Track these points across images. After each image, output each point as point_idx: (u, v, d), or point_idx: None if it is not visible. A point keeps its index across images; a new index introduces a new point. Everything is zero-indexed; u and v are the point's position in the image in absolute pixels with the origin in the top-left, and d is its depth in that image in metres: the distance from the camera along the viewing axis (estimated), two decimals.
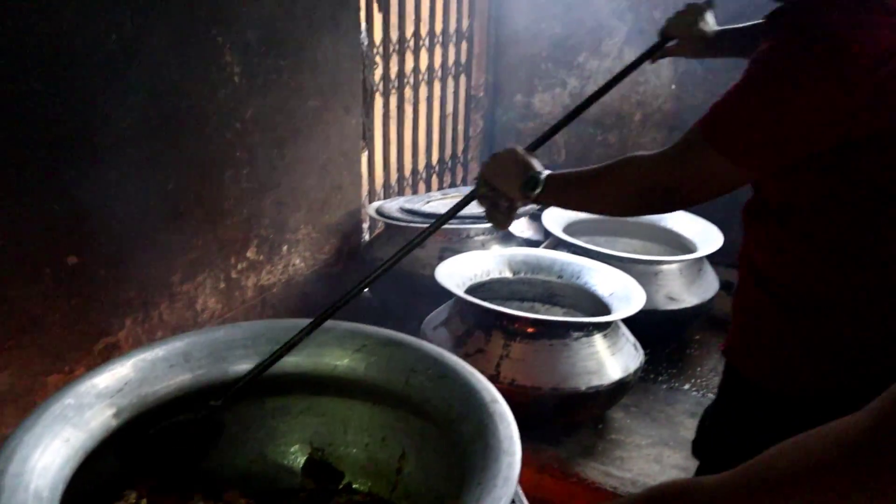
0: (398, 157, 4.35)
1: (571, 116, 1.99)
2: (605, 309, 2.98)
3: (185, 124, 2.62)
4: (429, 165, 4.69)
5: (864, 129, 1.24)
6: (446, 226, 3.56)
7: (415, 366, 1.52)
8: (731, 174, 1.32)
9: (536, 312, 3.28)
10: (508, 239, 3.77)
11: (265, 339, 1.60)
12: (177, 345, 1.56)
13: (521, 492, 1.36)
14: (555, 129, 1.95)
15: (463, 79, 4.87)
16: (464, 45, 4.79)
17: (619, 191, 1.48)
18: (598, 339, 2.79)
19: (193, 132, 2.66)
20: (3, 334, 2.16)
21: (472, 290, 3.08)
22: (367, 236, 4.04)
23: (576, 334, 2.75)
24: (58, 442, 1.25)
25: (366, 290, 3.87)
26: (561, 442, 2.87)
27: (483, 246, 3.57)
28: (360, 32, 3.53)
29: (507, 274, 3.27)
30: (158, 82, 2.47)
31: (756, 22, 1.85)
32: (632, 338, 2.97)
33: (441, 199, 3.86)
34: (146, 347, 1.53)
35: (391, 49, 4.02)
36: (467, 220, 3.58)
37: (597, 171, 1.54)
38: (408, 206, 3.66)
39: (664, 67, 4.59)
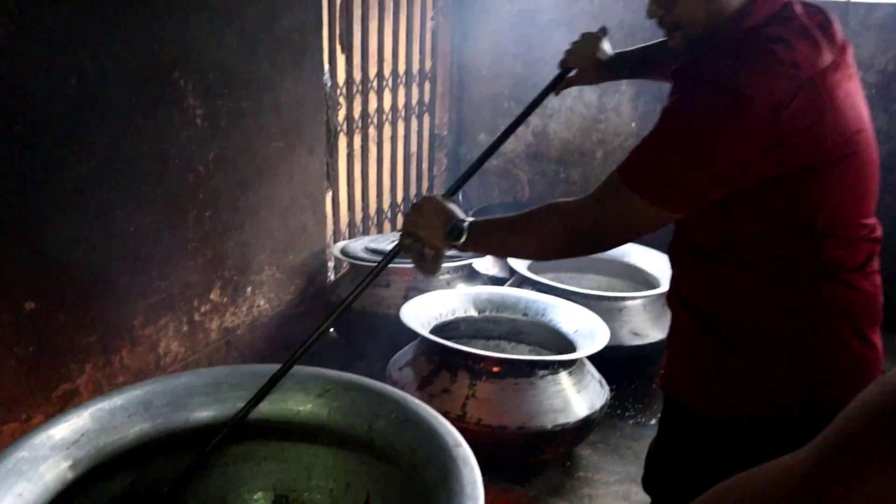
0: (363, 197, 4.35)
1: (485, 157, 2.05)
2: (570, 346, 3.00)
3: (146, 167, 2.60)
4: (393, 204, 4.70)
5: (769, 171, 1.32)
6: (412, 265, 3.58)
7: (378, 410, 1.51)
8: (651, 216, 1.37)
9: (502, 350, 3.29)
10: (474, 277, 3.78)
11: (227, 386, 1.59)
12: (136, 393, 1.54)
13: None
14: (470, 172, 1.99)
15: (426, 118, 4.91)
16: (427, 85, 4.84)
17: (545, 237, 1.53)
18: (563, 377, 2.79)
19: (155, 175, 2.65)
20: None
21: (437, 330, 3.07)
22: (332, 276, 4.03)
23: (541, 372, 2.75)
24: (10, 497, 1.22)
25: (331, 330, 3.86)
26: (529, 481, 2.86)
27: (448, 285, 3.58)
28: (323, 73, 3.55)
29: (473, 312, 3.27)
30: (119, 125, 2.46)
31: (647, 45, 1.96)
32: (597, 374, 2.98)
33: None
34: (104, 396, 1.51)
35: (355, 89, 4.05)
36: None
37: (521, 218, 1.59)
38: (373, 245, 3.66)
39: (624, 106, 4.68)
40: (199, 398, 1.58)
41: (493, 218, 1.65)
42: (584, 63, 2.01)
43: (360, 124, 4.17)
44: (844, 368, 1.44)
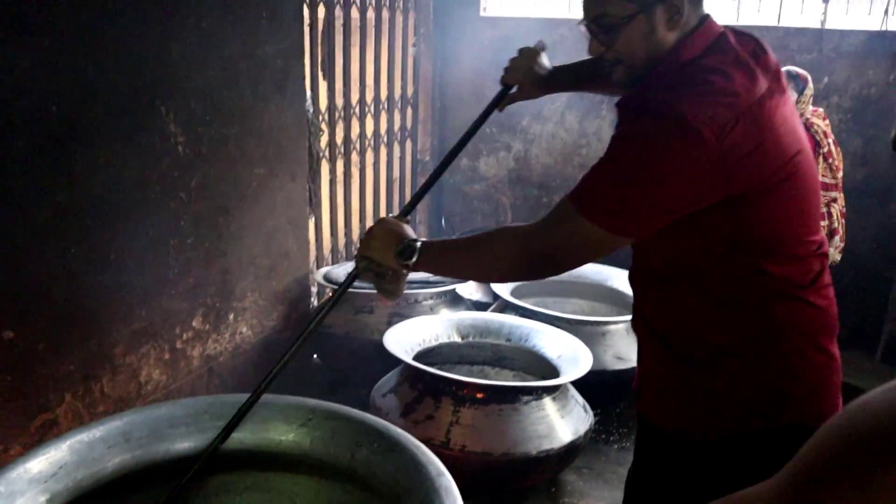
0: (345, 223, 4.35)
1: (434, 177, 2.07)
2: (554, 371, 2.99)
3: (127, 194, 2.59)
4: None
5: (715, 196, 1.36)
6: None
7: (360, 439, 1.50)
8: (603, 240, 1.41)
9: (486, 376, 3.28)
10: (457, 302, 3.78)
11: (208, 416, 1.57)
12: (115, 424, 1.52)
13: None
14: (421, 194, 2.02)
15: (409, 143, 4.93)
16: (409, 111, 4.86)
17: (499, 260, 1.56)
18: (547, 403, 2.79)
19: (136, 202, 2.63)
20: None
21: (421, 356, 3.07)
22: (315, 302, 4.01)
23: (525, 398, 2.74)
24: None
25: (314, 356, 3.84)
26: None
27: (432, 310, 3.57)
28: (305, 100, 3.56)
29: (456, 338, 3.27)
30: (100, 153, 2.45)
31: (585, 59, 1.96)
32: (581, 399, 2.98)
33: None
34: (83, 428, 1.49)
35: (337, 115, 4.06)
36: (415, 285, 3.58)
37: (475, 241, 1.63)
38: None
39: (605, 131, 4.72)
40: (180, 429, 1.56)
41: (447, 239, 1.68)
42: (523, 78, 2.04)
43: (342, 150, 4.18)
44: (806, 380, 1.49)
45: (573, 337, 3.15)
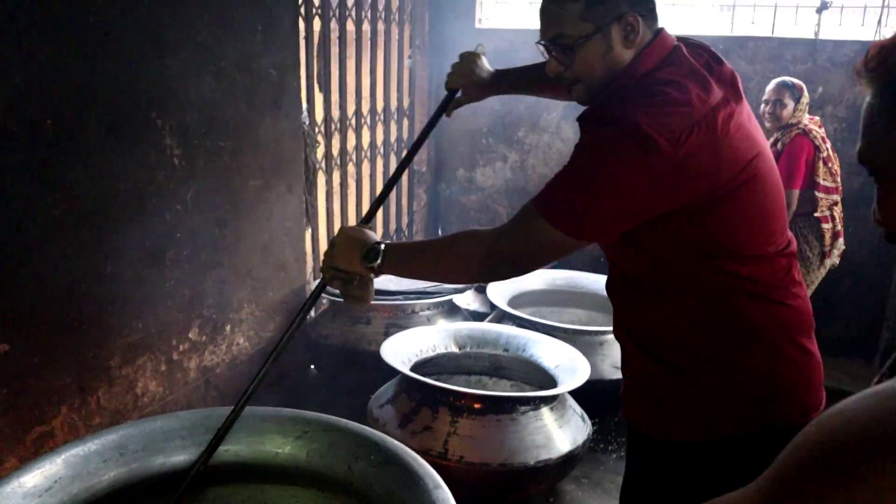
0: None
1: (391, 186, 2.09)
2: (551, 381, 2.99)
3: (123, 207, 2.59)
4: None
5: (673, 203, 1.41)
6: (392, 301, 3.58)
7: (357, 452, 1.50)
8: (564, 243, 1.46)
9: (484, 386, 3.28)
10: (454, 312, 3.78)
11: (204, 429, 1.57)
12: (111, 437, 1.52)
13: None
14: (380, 201, 2.06)
15: (405, 155, 4.93)
16: (405, 122, 4.87)
17: (465, 262, 1.60)
18: (545, 413, 2.78)
19: (132, 214, 2.63)
20: None
21: (418, 366, 3.06)
22: (312, 313, 4.00)
23: (523, 409, 2.74)
24: None
25: (311, 367, 3.84)
26: None
27: (429, 321, 3.57)
28: (301, 112, 3.57)
29: (454, 348, 3.26)
30: (96, 166, 2.45)
31: (532, 64, 2.05)
32: (579, 409, 2.98)
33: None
34: (78, 442, 1.48)
35: (333, 127, 4.07)
36: (411, 296, 3.58)
37: (440, 244, 1.70)
38: None
39: None
40: (176, 441, 1.55)
41: (411, 242, 1.71)
42: (465, 82, 2.08)
43: (338, 162, 4.18)
44: (786, 378, 1.52)
45: (571, 347, 3.15)
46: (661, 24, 1.55)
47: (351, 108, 4.23)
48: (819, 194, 3.91)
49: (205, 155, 2.91)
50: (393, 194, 4.87)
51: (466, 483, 2.63)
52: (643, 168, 1.37)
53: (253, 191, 3.24)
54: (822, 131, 3.98)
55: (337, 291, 1.81)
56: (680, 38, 1.56)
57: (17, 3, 2.12)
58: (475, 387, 3.22)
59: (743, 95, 1.51)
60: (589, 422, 2.97)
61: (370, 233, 1.70)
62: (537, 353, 3.17)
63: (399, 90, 4.74)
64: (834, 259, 4.03)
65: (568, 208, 1.44)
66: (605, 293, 4.17)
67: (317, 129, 3.88)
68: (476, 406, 2.73)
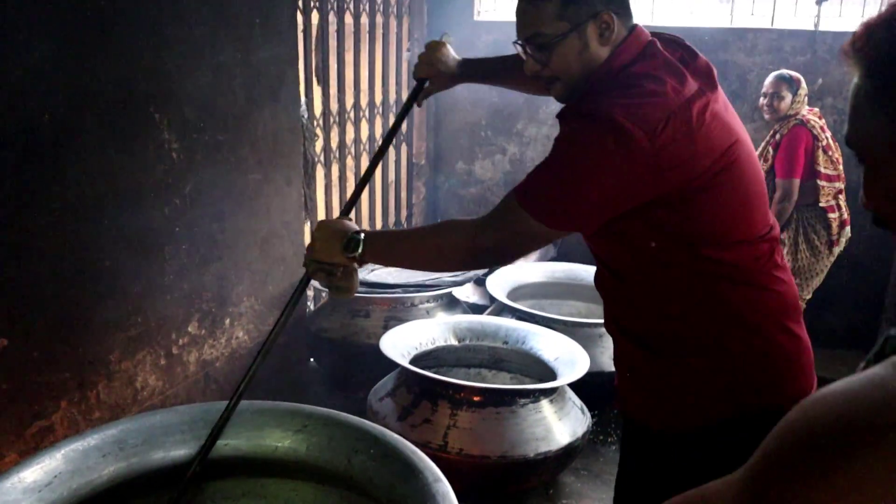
0: None
1: (367, 177, 2.12)
2: (551, 373, 2.99)
3: (121, 202, 2.58)
4: None
5: (652, 192, 1.43)
6: (391, 294, 3.59)
7: (357, 445, 1.50)
8: (544, 233, 1.49)
9: (483, 379, 3.28)
10: (454, 305, 3.78)
11: (203, 423, 1.57)
12: (110, 432, 1.52)
13: None
14: (358, 193, 2.07)
15: (404, 148, 4.93)
16: None
17: (446, 252, 1.62)
18: (544, 405, 2.79)
19: (131, 209, 2.63)
20: None
21: (418, 359, 3.07)
22: (312, 306, 4.01)
23: (522, 401, 2.74)
24: None
25: (311, 360, 3.84)
26: None
27: (428, 314, 3.57)
28: (300, 105, 3.56)
29: (453, 341, 3.26)
30: (94, 161, 2.45)
31: (502, 56, 2.07)
32: (578, 401, 2.98)
33: (385, 266, 3.86)
34: (78, 437, 1.48)
35: (332, 121, 4.06)
36: (411, 289, 3.58)
37: (422, 233, 1.74)
38: None
39: None
40: (175, 436, 1.56)
41: (393, 230, 1.73)
42: (432, 71, 2.09)
43: (337, 155, 4.18)
44: (774, 362, 1.54)
45: (570, 339, 3.15)
46: (635, 20, 1.58)
47: (349, 102, 4.23)
48: (821, 182, 3.91)
49: (203, 149, 2.91)
50: (391, 188, 4.87)
51: (466, 476, 2.64)
52: (621, 160, 1.39)
53: (252, 184, 3.23)
54: (821, 122, 3.99)
55: (324, 286, 1.82)
56: (654, 34, 1.59)
57: None
58: (475, 379, 3.23)
59: (718, 84, 1.54)
60: (588, 414, 2.98)
61: (349, 223, 1.72)
62: (537, 346, 3.18)
63: (398, 83, 4.73)
64: (841, 247, 4.04)
65: (548, 200, 1.46)
66: None
67: (315, 123, 3.87)
68: (475, 399, 2.73)
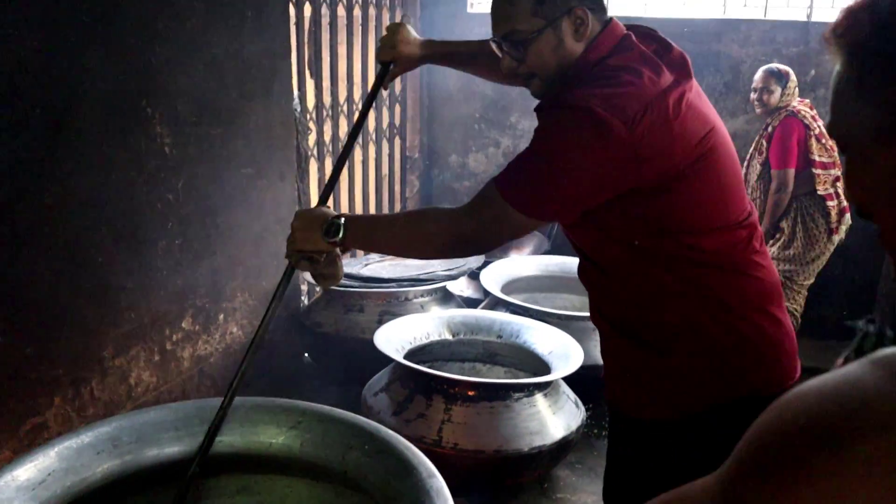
0: None
1: (340, 166, 2.13)
2: (545, 367, 3.00)
3: (114, 197, 2.57)
4: None
5: (630, 182, 1.45)
6: (385, 288, 3.58)
7: (351, 442, 1.50)
8: (523, 222, 1.51)
9: (477, 373, 3.28)
10: (448, 299, 3.78)
11: (197, 420, 1.56)
12: (104, 429, 1.51)
13: None
14: (333, 181, 2.09)
15: (398, 141, 4.92)
16: (397, 109, 4.85)
17: (428, 240, 1.62)
18: (539, 399, 2.79)
19: (123, 204, 2.62)
20: None
21: (412, 354, 3.06)
22: (306, 301, 4.00)
23: (517, 395, 2.75)
24: None
25: (305, 354, 3.84)
26: (506, 503, 2.85)
27: (422, 308, 3.57)
28: (292, 99, 3.54)
29: (447, 336, 3.26)
30: (86, 156, 2.43)
31: (468, 41, 2.07)
32: (573, 395, 2.99)
33: (379, 261, 3.86)
34: (71, 434, 1.48)
35: (325, 114, 4.05)
36: (405, 284, 3.58)
37: (403, 220, 1.76)
38: (346, 270, 3.65)
39: None
40: (169, 433, 1.55)
41: (374, 216, 1.74)
42: (395, 53, 2.07)
43: (330, 149, 4.16)
44: (758, 347, 1.55)
45: (564, 333, 3.15)
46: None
47: (342, 95, 4.21)
48: (817, 171, 3.92)
49: (196, 143, 2.90)
50: (385, 181, 4.86)
51: (461, 470, 2.64)
52: (599, 150, 1.41)
53: (245, 179, 3.22)
54: (812, 111, 4.00)
55: (310, 275, 1.82)
56: (630, 27, 1.60)
57: None
58: (469, 374, 3.23)
59: (692, 74, 1.55)
60: (582, 407, 2.98)
61: (327, 209, 1.72)
62: (531, 340, 3.18)
63: None
64: (841, 234, 4.05)
65: (527, 190, 1.48)
66: None
67: (308, 116, 3.86)
68: (470, 393, 2.74)
